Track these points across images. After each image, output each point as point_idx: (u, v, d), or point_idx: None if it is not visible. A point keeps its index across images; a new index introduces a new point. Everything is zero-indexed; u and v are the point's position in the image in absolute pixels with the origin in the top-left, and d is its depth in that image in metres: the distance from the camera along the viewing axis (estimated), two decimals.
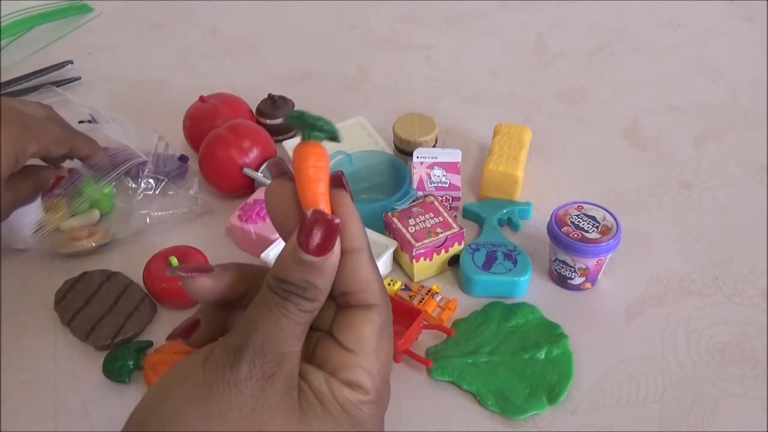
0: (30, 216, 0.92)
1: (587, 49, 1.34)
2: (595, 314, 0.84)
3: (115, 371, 0.78)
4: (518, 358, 0.78)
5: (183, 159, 1.06)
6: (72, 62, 1.34)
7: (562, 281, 0.86)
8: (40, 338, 0.85)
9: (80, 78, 1.31)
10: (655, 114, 1.16)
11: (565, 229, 0.82)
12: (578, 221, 0.83)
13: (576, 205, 0.85)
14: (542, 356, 0.78)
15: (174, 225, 0.97)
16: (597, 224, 0.82)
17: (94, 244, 0.92)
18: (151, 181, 0.98)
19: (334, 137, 0.42)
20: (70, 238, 0.93)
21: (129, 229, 0.96)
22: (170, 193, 0.99)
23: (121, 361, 0.78)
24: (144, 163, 0.98)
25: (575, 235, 0.81)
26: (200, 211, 0.98)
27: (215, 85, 1.17)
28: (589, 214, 0.83)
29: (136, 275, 0.88)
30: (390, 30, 1.43)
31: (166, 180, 0.99)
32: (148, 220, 0.96)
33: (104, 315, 0.84)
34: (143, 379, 0.78)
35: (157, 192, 0.99)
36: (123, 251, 0.95)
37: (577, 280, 0.85)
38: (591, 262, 0.82)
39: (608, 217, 0.83)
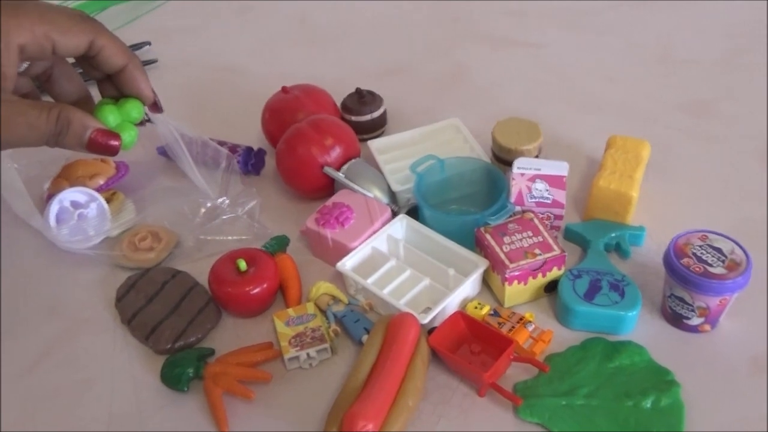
0: (95, 221, 0.97)
1: (719, 56, 1.29)
2: (714, 362, 0.81)
3: (174, 378, 0.80)
4: (620, 405, 0.76)
5: (260, 153, 1.09)
6: (149, 44, 1.40)
7: (676, 320, 0.84)
8: (99, 336, 0.88)
9: (157, 61, 1.36)
10: None
11: (685, 260, 0.79)
12: (701, 253, 0.80)
13: (699, 234, 0.82)
14: (648, 405, 0.75)
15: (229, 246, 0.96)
16: (723, 258, 0.79)
17: (161, 257, 0.96)
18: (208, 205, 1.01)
19: None
20: (132, 248, 0.96)
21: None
22: (224, 217, 1.01)
23: (181, 368, 0.80)
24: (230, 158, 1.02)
25: (697, 269, 0.78)
26: (253, 239, 0.98)
27: (299, 75, 1.19)
28: (715, 245, 0.80)
29: (202, 276, 0.91)
30: (495, 24, 1.42)
31: (227, 200, 1.01)
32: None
33: (166, 317, 0.86)
34: (203, 389, 0.80)
35: (215, 218, 1.00)
36: (189, 249, 0.98)
37: (695, 321, 0.82)
38: (713, 301, 0.79)
39: (737, 250, 0.80)
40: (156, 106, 0.74)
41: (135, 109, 0.71)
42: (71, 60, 0.70)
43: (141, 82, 0.71)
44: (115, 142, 0.67)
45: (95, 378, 0.84)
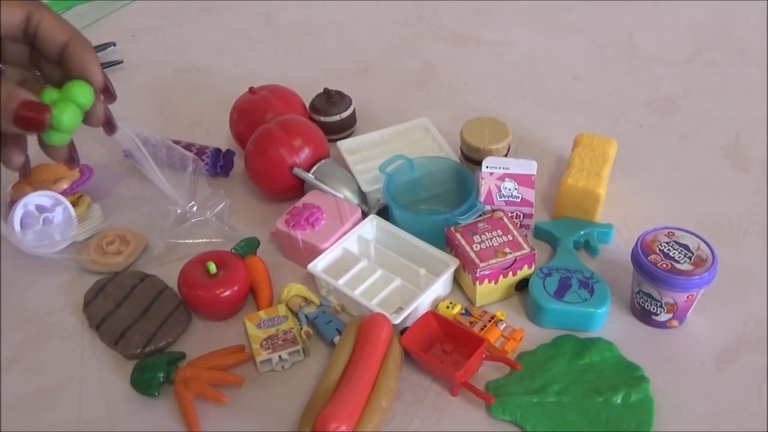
0: (61, 226, 0.96)
1: (685, 54, 1.31)
2: (683, 357, 0.82)
3: (144, 383, 0.79)
4: (591, 401, 0.77)
5: (228, 155, 1.08)
6: (114, 44, 1.38)
7: (645, 316, 0.85)
8: (67, 342, 0.87)
9: (122, 62, 1.35)
10: (761, 130, 1.12)
11: (652, 257, 0.80)
12: (668, 249, 0.81)
13: (666, 231, 0.83)
14: (619, 401, 0.76)
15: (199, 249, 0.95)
16: (690, 254, 0.80)
17: (129, 261, 0.95)
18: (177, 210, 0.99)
19: None
20: (99, 252, 0.95)
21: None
22: (193, 220, 1.00)
23: (151, 373, 0.79)
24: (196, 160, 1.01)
25: (664, 265, 0.79)
26: (223, 242, 0.98)
27: (267, 75, 1.18)
28: (681, 242, 0.82)
29: (171, 280, 0.90)
30: (461, 23, 1.43)
31: (195, 204, 1.00)
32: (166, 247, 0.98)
33: (135, 321, 0.86)
34: (174, 394, 0.79)
35: (184, 222, 0.99)
36: (158, 253, 0.97)
37: (663, 317, 0.83)
38: (680, 297, 0.80)
39: (703, 246, 0.81)
40: (108, 93, 0.68)
41: (80, 90, 0.61)
42: None
43: (87, 60, 0.63)
44: (44, 114, 0.58)
45: (64, 384, 0.83)
